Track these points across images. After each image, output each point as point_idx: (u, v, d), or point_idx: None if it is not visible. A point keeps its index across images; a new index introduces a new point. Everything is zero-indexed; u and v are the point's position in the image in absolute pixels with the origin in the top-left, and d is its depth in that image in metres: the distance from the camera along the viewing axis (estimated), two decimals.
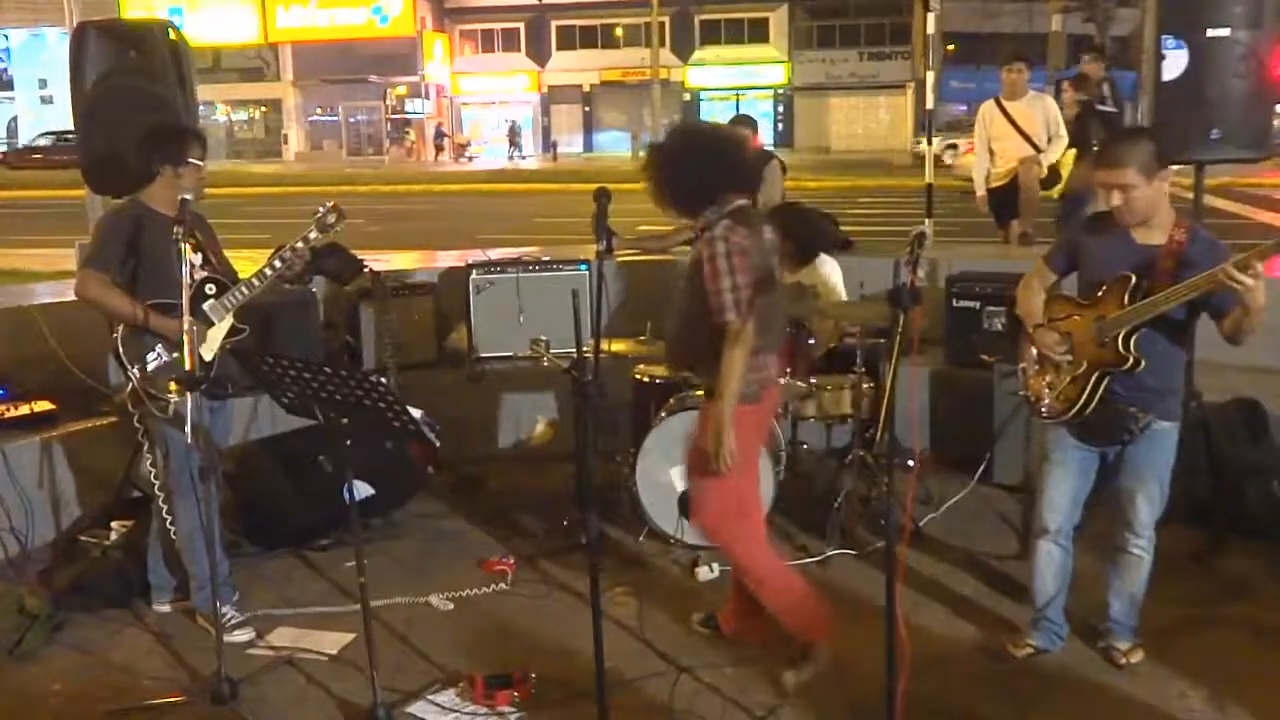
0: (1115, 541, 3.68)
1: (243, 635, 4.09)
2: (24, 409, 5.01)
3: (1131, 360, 3.37)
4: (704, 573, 4.57)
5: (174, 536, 4.13)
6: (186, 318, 3.61)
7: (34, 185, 27.74)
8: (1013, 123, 7.60)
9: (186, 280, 3.62)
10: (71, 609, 4.25)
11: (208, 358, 3.98)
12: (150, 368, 3.94)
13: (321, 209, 4.00)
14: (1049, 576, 3.74)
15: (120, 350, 3.95)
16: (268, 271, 4.01)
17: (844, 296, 5.41)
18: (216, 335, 4.04)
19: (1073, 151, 7.94)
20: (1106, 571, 3.74)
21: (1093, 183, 8.66)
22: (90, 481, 4.98)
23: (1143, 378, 3.40)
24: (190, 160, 4.00)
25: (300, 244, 4.00)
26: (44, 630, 4.07)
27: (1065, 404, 3.54)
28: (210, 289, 4.01)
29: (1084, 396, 3.47)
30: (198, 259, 3.91)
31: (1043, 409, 3.63)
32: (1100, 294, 3.45)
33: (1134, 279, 3.36)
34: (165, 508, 4.14)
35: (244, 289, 4.05)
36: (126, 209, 4.08)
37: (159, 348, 3.96)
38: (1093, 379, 3.45)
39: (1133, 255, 3.40)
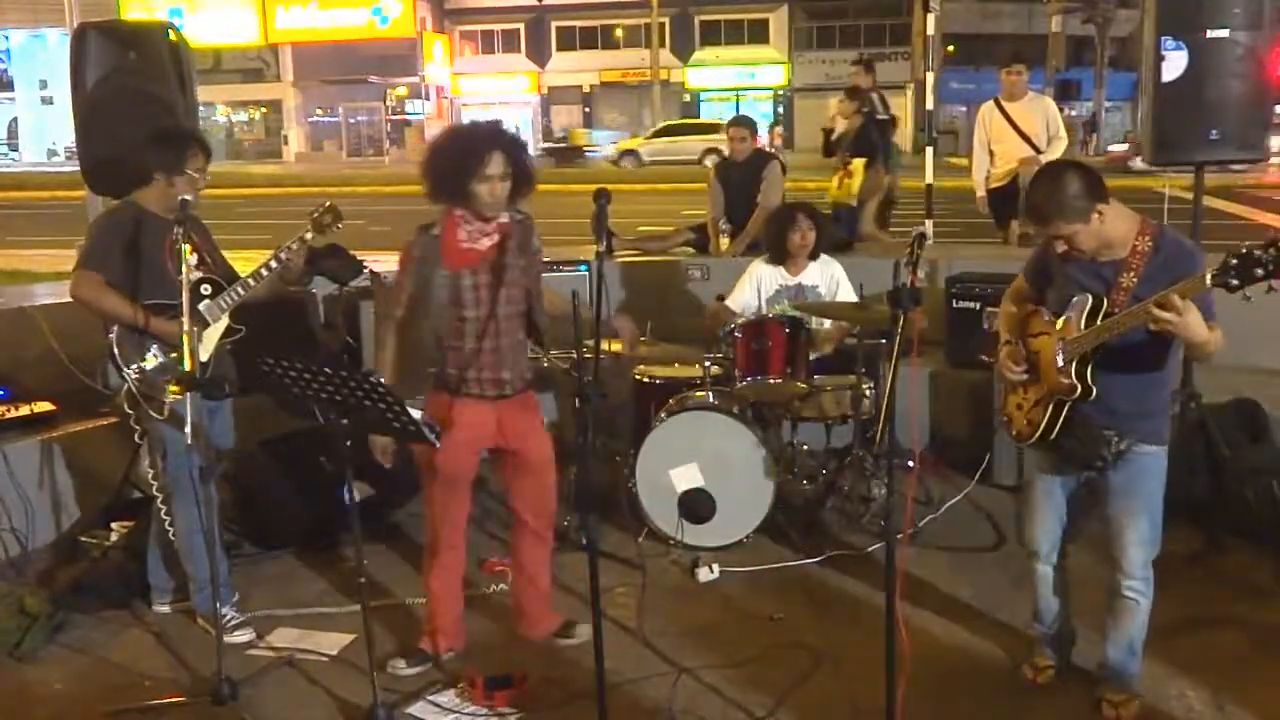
0: (1109, 583, 3.42)
1: (243, 636, 4.09)
2: (24, 409, 5.01)
3: (1081, 389, 3.17)
4: (704, 574, 4.57)
5: (172, 538, 4.13)
6: (186, 318, 3.61)
7: (32, 185, 27.73)
8: (1012, 123, 7.61)
9: (185, 281, 3.62)
10: (71, 609, 4.26)
11: (204, 358, 3.97)
12: (148, 369, 3.94)
13: (318, 210, 4.01)
14: (1049, 595, 3.63)
15: (115, 351, 3.95)
16: (264, 272, 4.01)
17: (853, 296, 5.42)
18: (213, 335, 4.04)
19: (861, 161, 8.50)
20: (1105, 618, 3.47)
21: (877, 190, 9.06)
22: (90, 482, 4.98)
23: (1115, 400, 3.19)
24: (187, 172, 3.98)
25: (296, 244, 3.99)
26: (44, 630, 4.07)
27: (1031, 428, 3.36)
28: (206, 289, 4.01)
29: (1045, 422, 3.29)
30: (193, 259, 3.90)
31: (1013, 431, 3.49)
32: (1066, 315, 3.23)
33: (1091, 300, 3.14)
34: (164, 509, 4.14)
35: (240, 289, 4.05)
36: (123, 210, 4.08)
37: (155, 348, 3.96)
38: (1051, 405, 3.27)
39: (1091, 273, 3.20)
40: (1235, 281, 2.72)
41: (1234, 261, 2.72)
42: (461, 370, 3.75)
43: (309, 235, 4.01)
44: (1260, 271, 2.67)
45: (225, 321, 4.07)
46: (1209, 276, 2.79)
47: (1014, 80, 7.66)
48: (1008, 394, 3.53)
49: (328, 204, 4.03)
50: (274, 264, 4.00)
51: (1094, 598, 3.60)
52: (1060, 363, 3.22)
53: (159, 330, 3.93)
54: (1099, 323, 3.12)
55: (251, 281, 4.03)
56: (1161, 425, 3.30)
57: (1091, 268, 3.20)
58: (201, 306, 3.98)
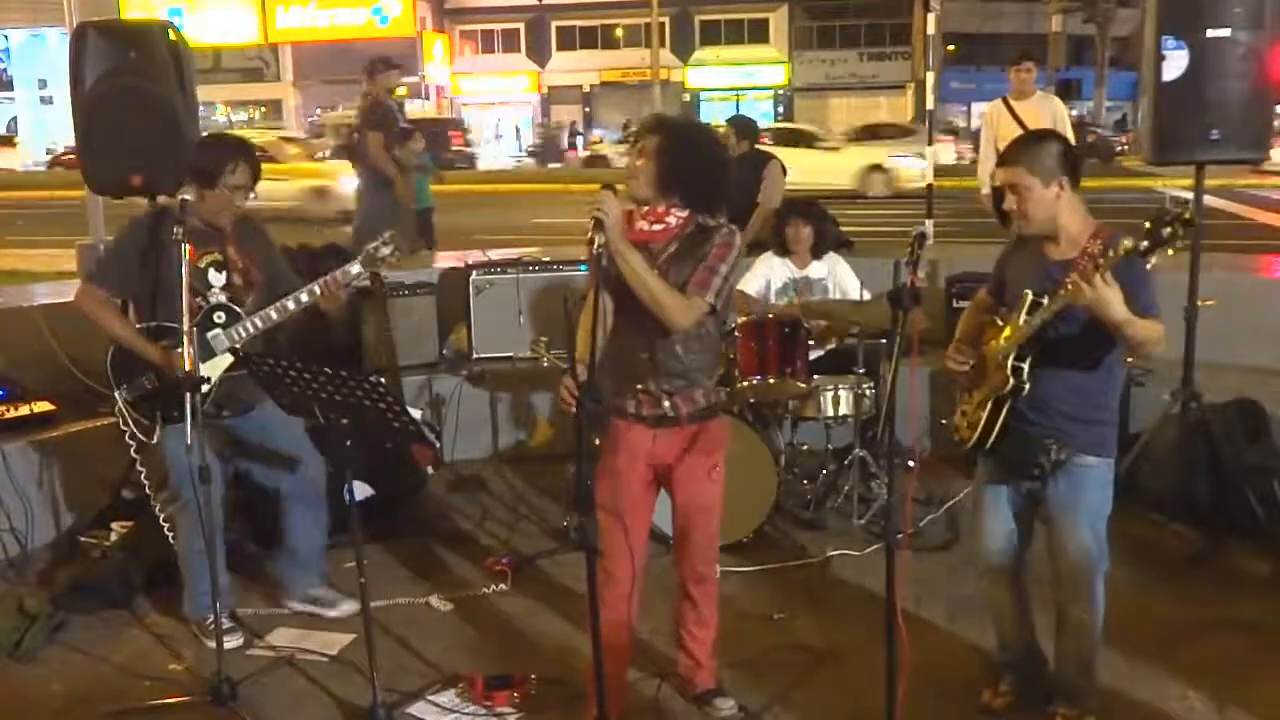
0: (1055, 600, 3.29)
1: (232, 641, 3.97)
2: (24, 409, 5.01)
3: (1013, 382, 3.09)
4: None
5: (173, 543, 4.12)
6: (186, 316, 3.50)
7: (30, 186, 27.73)
8: (1020, 122, 7.59)
9: (186, 283, 3.49)
10: (71, 609, 4.25)
11: (204, 389, 3.62)
12: (132, 396, 3.86)
13: (379, 243, 3.69)
14: (1003, 620, 3.49)
15: (109, 367, 3.89)
16: (290, 304, 3.75)
17: (856, 285, 5.46)
18: (217, 366, 3.80)
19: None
20: (1055, 634, 3.37)
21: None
22: (90, 482, 4.97)
23: (1053, 401, 3.11)
24: (220, 188, 3.76)
25: (340, 274, 3.72)
26: (44, 630, 4.07)
27: (971, 430, 3.26)
28: (219, 317, 3.81)
29: (983, 424, 3.19)
30: (221, 278, 3.76)
31: (956, 436, 3.39)
32: (1010, 314, 3.17)
33: (1031, 297, 3.07)
34: (168, 525, 4.14)
35: (259, 320, 3.78)
36: (150, 220, 3.91)
37: (148, 376, 3.83)
38: (990, 405, 3.18)
39: (1040, 272, 3.13)
40: (1145, 244, 2.79)
41: (1147, 226, 2.80)
42: None
43: (355, 269, 3.73)
44: (1167, 232, 2.75)
45: (229, 358, 3.80)
46: (1124, 245, 2.81)
47: (1023, 78, 7.64)
48: (958, 401, 3.44)
49: (389, 233, 3.74)
50: (304, 296, 3.73)
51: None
52: (999, 358, 3.16)
53: (154, 361, 3.77)
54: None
55: (274, 314, 3.77)
56: (1104, 436, 3.18)
57: (1044, 263, 3.15)
58: (209, 335, 3.78)
